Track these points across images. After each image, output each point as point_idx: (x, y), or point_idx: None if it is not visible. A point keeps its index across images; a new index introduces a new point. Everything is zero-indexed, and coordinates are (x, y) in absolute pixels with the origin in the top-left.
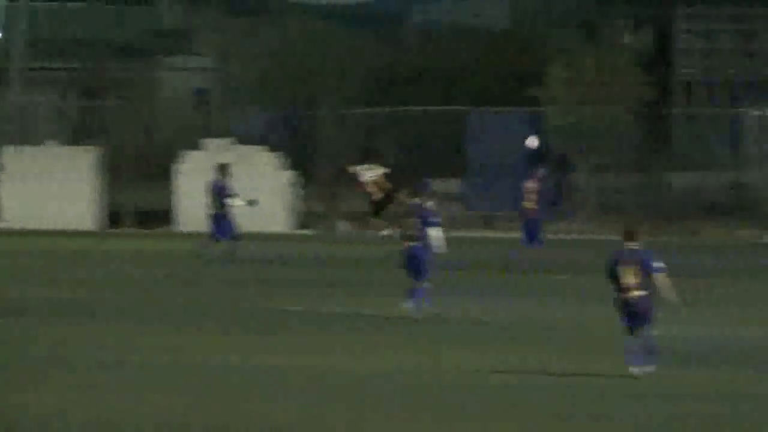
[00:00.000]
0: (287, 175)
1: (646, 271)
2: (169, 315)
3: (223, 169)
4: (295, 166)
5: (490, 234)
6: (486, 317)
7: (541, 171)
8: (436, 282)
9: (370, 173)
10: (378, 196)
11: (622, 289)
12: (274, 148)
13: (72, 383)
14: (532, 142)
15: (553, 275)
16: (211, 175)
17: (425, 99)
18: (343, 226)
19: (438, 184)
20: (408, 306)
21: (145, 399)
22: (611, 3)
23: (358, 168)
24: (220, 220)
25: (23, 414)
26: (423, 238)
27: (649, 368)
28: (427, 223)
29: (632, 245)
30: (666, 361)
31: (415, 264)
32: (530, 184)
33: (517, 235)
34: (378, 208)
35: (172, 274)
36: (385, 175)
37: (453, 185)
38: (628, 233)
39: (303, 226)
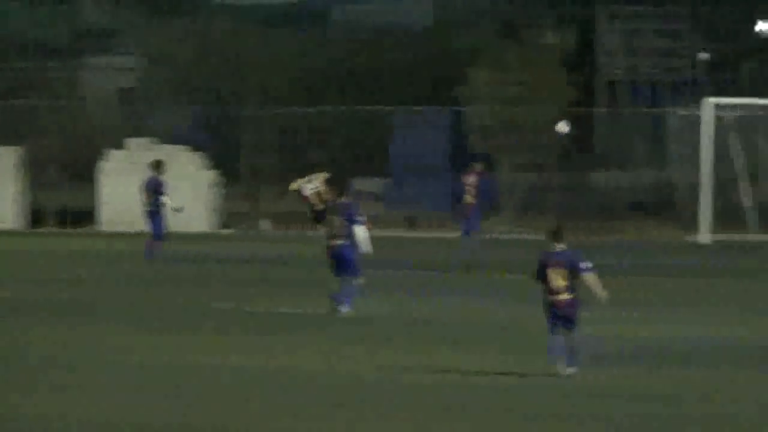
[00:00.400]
0: (209, 175)
1: (574, 273)
2: (87, 312)
3: (158, 166)
4: (217, 165)
5: (412, 234)
6: (415, 316)
7: (479, 165)
8: (365, 281)
9: (311, 185)
10: (320, 207)
11: (550, 291)
12: (196, 148)
13: None
14: (563, 126)
15: (477, 274)
16: (136, 174)
17: (349, 98)
18: (264, 225)
19: (361, 184)
20: (345, 310)
21: (76, 398)
22: (534, 2)
23: (299, 182)
24: (154, 216)
25: None
26: (349, 237)
27: (572, 369)
28: (352, 222)
29: (560, 246)
30: (592, 361)
31: (342, 263)
32: (470, 179)
33: (439, 234)
34: (320, 218)
35: (92, 273)
36: (327, 180)
37: (375, 185)
38: (555, 234)
39: (225, 225)
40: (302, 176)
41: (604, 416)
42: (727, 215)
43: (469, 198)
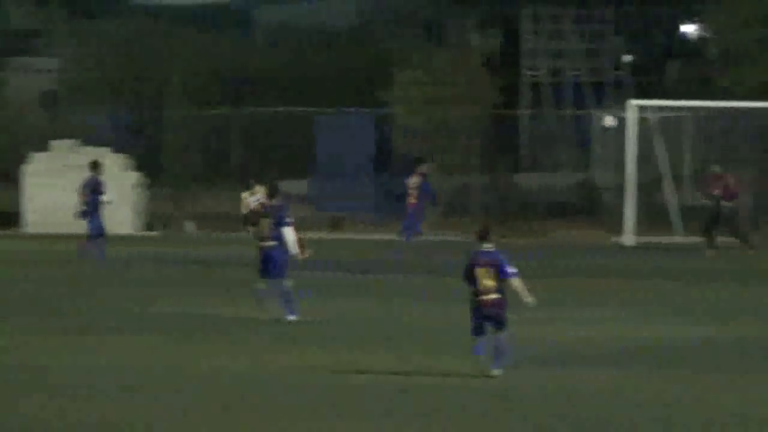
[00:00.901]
0: (133, 176)
1: (500, 273)
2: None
3: (96, 166)
4: (141, 167)
5: (338, 235)
6: (338, 317)
7: (425, 166)
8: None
9: (253, 198)
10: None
11: (478, 291)
12: (120, 149)
13: None
14: (611, 121)
15: (403, 275)
16: (60, 176)
17: (274, 100)
18: (189, 227)
19: (286, 186)
20: (291, 317)
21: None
22: (458, 3)
23: (243, 196)
24: (92, 216)
25: None
26: (278, 239)
27: (497, 371)
28: (281, 224)
29: (487, 246)
30: (519, 363)
31: (271, 265)
32: (413, 180)
33: (366, 236)
34: (250, 221)
35: (20, 275)
36: (268, 192)
37: (301, 186)
38: (482, 234)
39: (149, 227)
40: (242, 184)
41: (523, 417)
42: (652, 217)
43: (411, 199)
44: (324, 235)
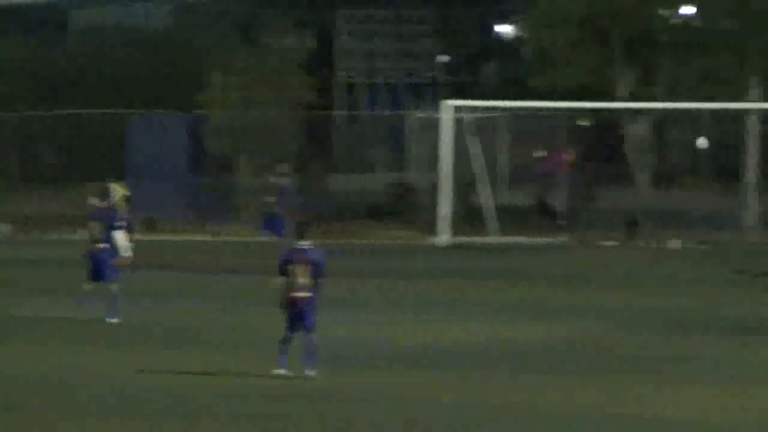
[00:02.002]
0: None
1: (314, 272)
2: None
3: None
4: None
5: (152, 237)
6: (148, 319)
7: (284, 166)
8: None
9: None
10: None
11: (291, 288)
12: None
13: None
14: (703, 142)
15: (214, 276)
16: None
17: (88, 102)
18: (2, 229)
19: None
20: (113, 320)
21: None
22: (272, 5)
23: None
24: None
25: None
26: (108, 241)
27: (311, 371)
28: (112, 227)
29: (304, 244)
30: (330, 363)
31: (100, 268)
32: (271, 180)
33: (181, 237)
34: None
35: None
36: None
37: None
38: (299, 232)
39: None
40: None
41: (337, 417)
42: (467, 217)
43: (269, 199)
44: (139, 236)
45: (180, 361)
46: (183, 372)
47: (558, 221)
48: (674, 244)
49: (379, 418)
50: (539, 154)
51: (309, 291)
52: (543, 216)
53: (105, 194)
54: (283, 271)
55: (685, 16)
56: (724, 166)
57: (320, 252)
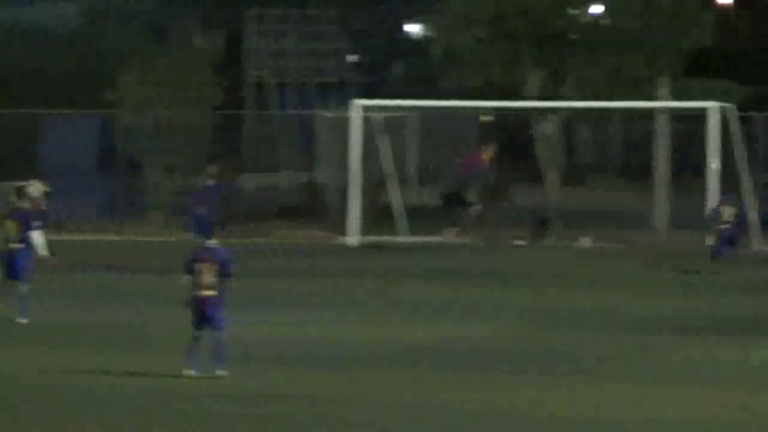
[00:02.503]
0: None
1: (221, 272)
2: None
3: None
4: None
5: (62, 237)
6: (57, 320)
7: (211, 168)
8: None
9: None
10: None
11: (197, 286)
12: None
13: None
14: (715, 163)
15: (123, 276)
16: None
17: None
18: None
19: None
20: (23, 320)
21: None
22: (182, 4)
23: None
24: None
25: None
26: (25, 241)
27: (222, 371)
28: (29, 226)
29: (210, 243)
30: (238, 363)
31: (15, 268)
32: (208, 182)
33: (90, 238)
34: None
35: None
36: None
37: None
38: (206, 231)
39: None
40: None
41: (249, 417)
42: (377, 217)
43: (196, 200)
44: (49, 236)
45: (87, 361)
46: (86, 372)
47: (466, 218)
48: (585, 243)
49: (287, 416)
50: (456, 157)
51: (215, 290)
52: (451, 208)
53: (23, 193)
54: (190, 270)
55: (595, 15)
56: (635, 166)
57: (226, 251)
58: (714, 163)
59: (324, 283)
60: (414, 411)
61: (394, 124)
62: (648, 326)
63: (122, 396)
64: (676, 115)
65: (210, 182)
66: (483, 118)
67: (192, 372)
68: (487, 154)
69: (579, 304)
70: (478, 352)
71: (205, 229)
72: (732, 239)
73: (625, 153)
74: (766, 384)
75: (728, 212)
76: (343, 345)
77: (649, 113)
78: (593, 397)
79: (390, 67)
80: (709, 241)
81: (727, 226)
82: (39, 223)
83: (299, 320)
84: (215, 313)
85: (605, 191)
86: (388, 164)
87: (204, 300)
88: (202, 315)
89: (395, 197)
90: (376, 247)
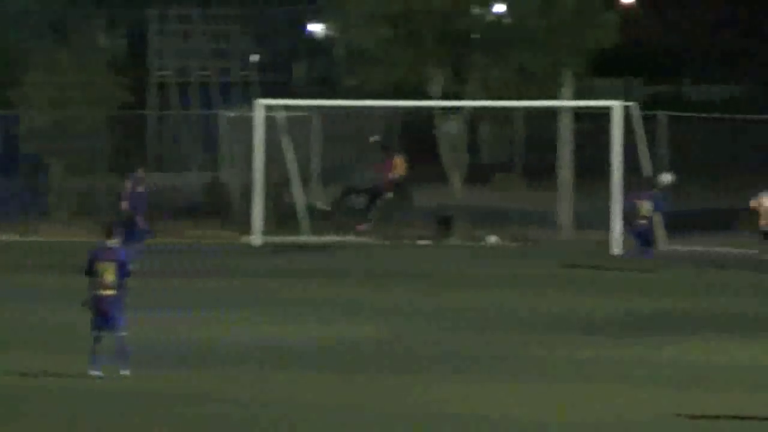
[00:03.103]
0: None
1: (121, 272)
2: None
3: None
4: None
5: None
6: None
7: (139, 171)
8: None
9: None
10: None
11: (97, 285)
12: None
13: None
14: (666, 178)
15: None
16: None
17: None
18: None
19: None
20: None
21: None
22: (85, 3)
23: None
24: None
25: None
26: None
27: (125, 371)
28: None
29: (111, 242)
30: (142, 363)
31: None
32: (127, 185)
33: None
34: None
35: None
36: None
37: None
38: (107, 230)
39: None
40: None
41: (160, 418)
42: (281, 217)
43: (123, 204)
44: None
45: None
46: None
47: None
48: (490, 241)
49: (186, 416)
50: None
51: (115, 289)
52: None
53: None
54: (90, 270)
55: (498, 14)
56: (539, 165)
57: (125, 251)
58: (666, 177)
59: (227, 282)
60: (315, 410)
61: (297, 123)
62: (553, 325)
63: (20, 397)
64: (579, 114)
65: (140, 189)
66: (371, 139)
67: (96, 372)
68: (398, 165)
69: (483, 303)
70: (375, 352)
71: (133, 233)
72: (647, 236)
73: (529, 152)
74: (673, 382)
75: (646, 207)
76: (247, 344)
77: (552, 112)
78: (489, 395)
79: (293, 67)
80: (616, 246)
81: (644, 222)
82: None
83: (201, 320)
84: (115, 312)
85: (510, 191)
86: (291, 164)
87: (104, 299)
88: (102, 315)
89: (299, 197)
90: (280, 246)
